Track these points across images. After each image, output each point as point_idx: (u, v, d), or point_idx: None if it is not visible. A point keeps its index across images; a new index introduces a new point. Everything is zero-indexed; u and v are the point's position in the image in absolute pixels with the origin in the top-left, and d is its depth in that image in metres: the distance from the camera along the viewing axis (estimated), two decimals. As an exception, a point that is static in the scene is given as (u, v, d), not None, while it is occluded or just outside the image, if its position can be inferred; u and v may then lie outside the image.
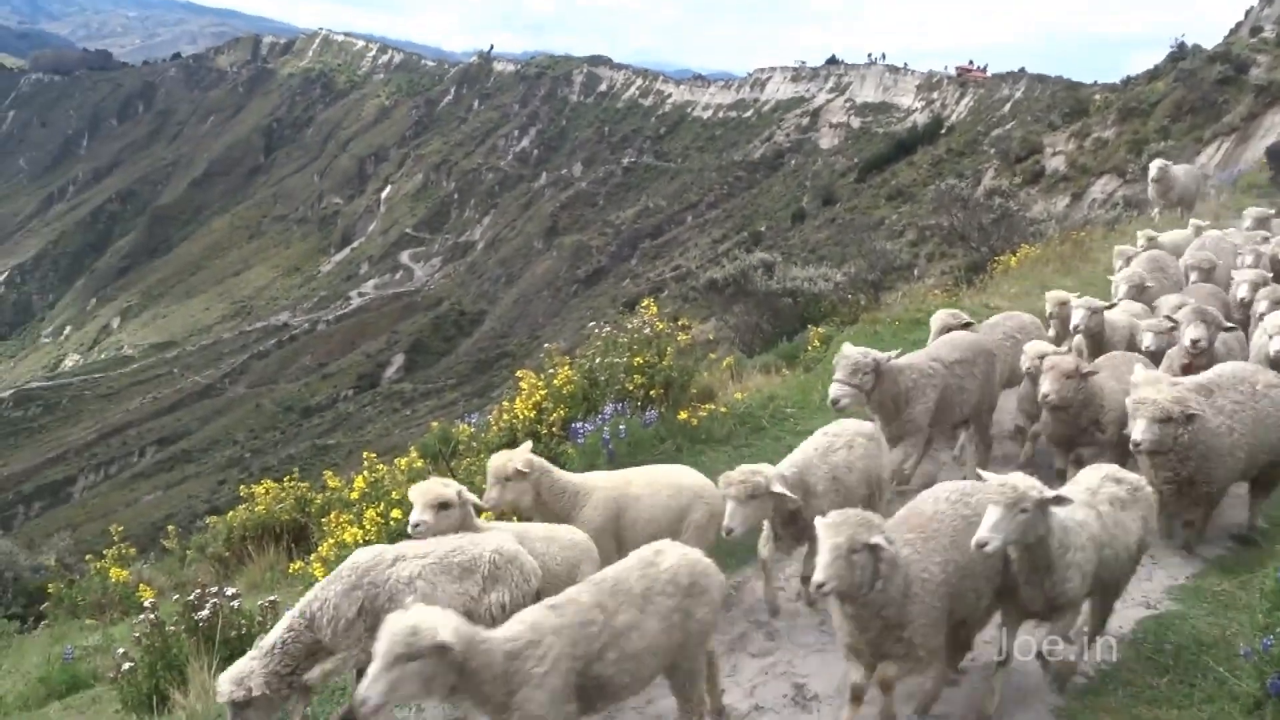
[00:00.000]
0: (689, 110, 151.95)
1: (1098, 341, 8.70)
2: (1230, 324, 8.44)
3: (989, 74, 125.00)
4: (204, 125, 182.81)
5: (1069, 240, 15.74)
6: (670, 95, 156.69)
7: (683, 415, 7.53)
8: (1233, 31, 43.35)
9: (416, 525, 5.21)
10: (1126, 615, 5.89)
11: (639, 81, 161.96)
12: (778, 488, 5.62)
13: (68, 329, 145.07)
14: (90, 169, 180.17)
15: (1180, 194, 16.26)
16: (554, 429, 7.38)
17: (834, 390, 7.04)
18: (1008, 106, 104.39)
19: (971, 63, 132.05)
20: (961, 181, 28.15)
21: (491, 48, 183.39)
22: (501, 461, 5.81)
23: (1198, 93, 35.51)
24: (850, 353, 7.15)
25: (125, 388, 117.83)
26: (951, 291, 12.53)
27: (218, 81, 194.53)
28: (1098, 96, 53.68)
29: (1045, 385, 7.12)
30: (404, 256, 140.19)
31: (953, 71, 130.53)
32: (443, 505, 5.25)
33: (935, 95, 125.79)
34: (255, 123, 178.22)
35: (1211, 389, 6.77)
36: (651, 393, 7.70)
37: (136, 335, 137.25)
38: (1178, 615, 6.07)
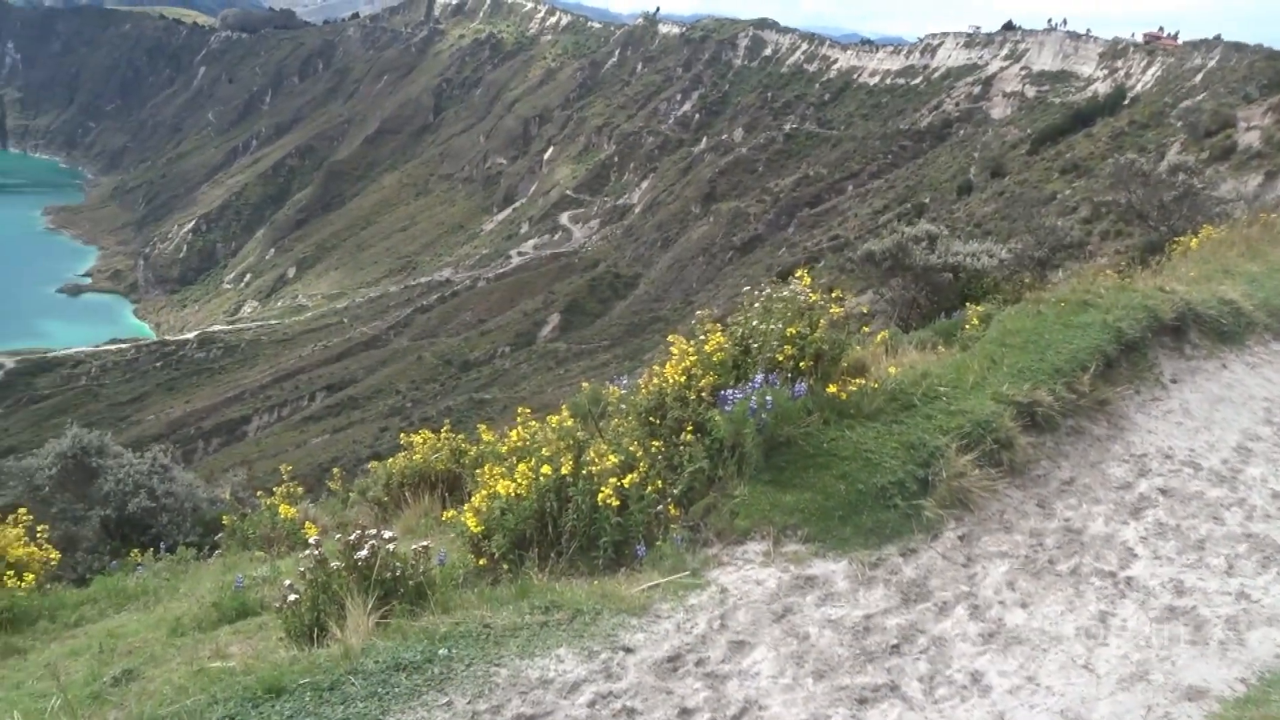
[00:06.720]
0: (855, 76, 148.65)
1: None
2: None
3: (1180, 41, 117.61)
4: (378, 84, 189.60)
5: (1258, 222, 14.65)
6: (836, 61, 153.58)
7: (831, 389, 7.42)
8: None
9: None
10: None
11: (804, 46, 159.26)
12: None
13: (248, 277, 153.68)
14: (272, 124, 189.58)
15: None
16: (703, 395, 7.39)
17: None
18: (1199, 77, 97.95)
19: (1161, 29, 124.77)
20: (1143, 156, 26.68)
21: (658, 10, 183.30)
22: None
23: None
24: None
25: (298, 335, 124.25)
26: (1125, 273, 11.89)
27: (392, 41, 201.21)
28: (1302, 67, 49.94)
29: None
30: (563, 218, 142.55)
31: (1140, 39, 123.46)
32: None
33: (1119, 64, 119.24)
34: (426, 82, 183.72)
35: None
36: (801, 364, 7.59)
37: (310, 285, 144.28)
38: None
